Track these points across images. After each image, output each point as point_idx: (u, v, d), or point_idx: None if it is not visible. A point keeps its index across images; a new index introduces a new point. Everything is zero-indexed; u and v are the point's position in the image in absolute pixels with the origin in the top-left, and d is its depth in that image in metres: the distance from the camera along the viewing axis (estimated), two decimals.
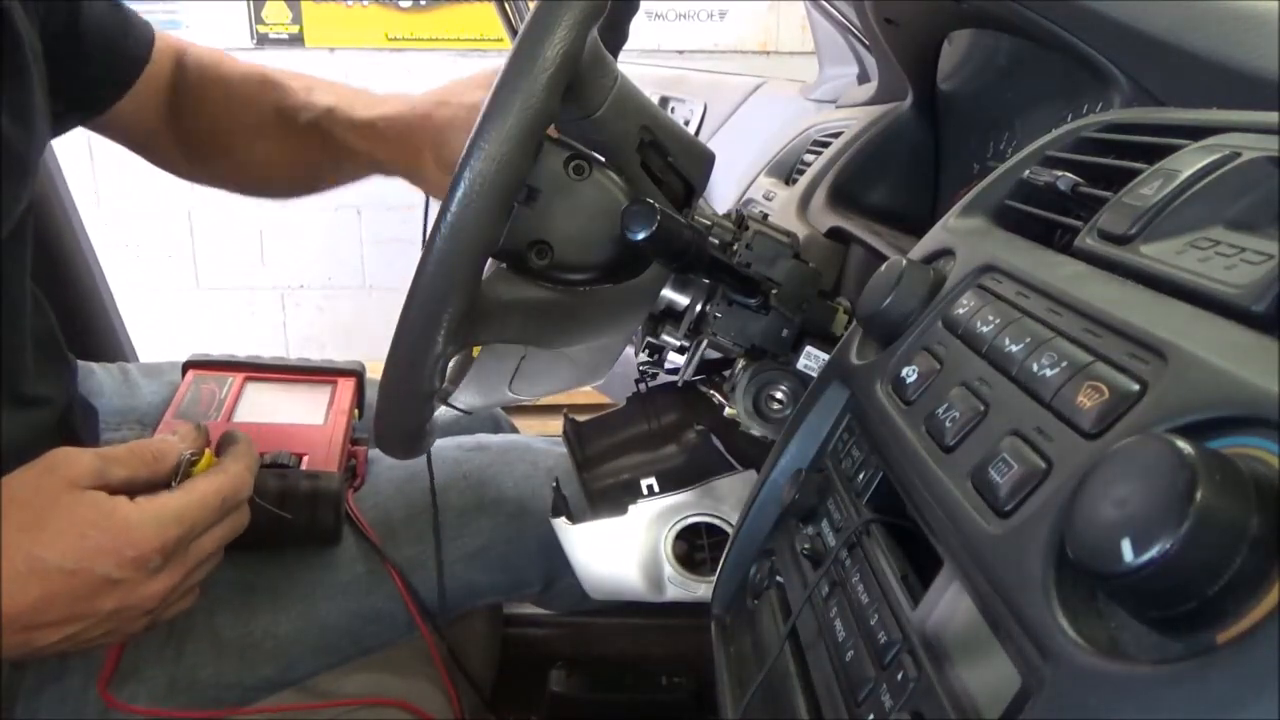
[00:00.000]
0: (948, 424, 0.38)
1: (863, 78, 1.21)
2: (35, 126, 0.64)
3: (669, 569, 0.78)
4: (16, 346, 0.66)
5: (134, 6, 0.79)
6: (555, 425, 0.91)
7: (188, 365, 0.88)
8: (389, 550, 0.75)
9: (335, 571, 0.74)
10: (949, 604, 0.35)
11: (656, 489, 0.79)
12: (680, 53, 2.65)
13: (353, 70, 2.58)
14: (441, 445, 0.85)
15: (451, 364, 0.65)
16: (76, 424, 0.75)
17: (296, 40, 2.55)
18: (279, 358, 0.91)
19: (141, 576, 0.54)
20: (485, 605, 0.82)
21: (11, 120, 0.61)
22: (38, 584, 0.51)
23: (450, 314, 0.50)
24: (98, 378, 0.88)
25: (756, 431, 0.70)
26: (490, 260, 0.58)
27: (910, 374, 0.44)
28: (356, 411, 0.88)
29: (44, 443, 0.67)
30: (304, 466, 0.74)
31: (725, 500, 0.78)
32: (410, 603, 0.74)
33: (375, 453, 0.84)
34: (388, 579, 0.74)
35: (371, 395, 0.91)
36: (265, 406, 0.83)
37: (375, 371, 0.58)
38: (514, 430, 1.05)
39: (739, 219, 0.68)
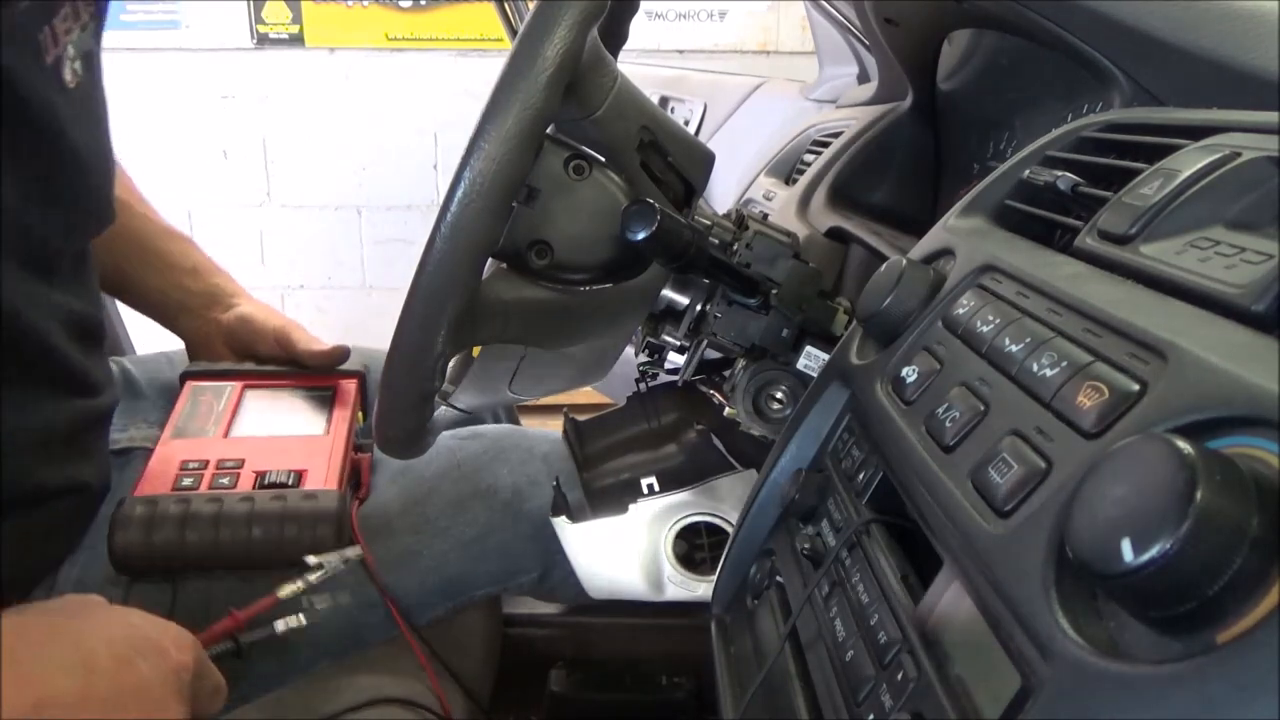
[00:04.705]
0: (948, 424, 0.38)
1: (863, 78, 1.21)
2: None
3: (669, 568, 0.78)
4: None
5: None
6: (555, 425, 0.91)
7: (185, 376, 0.86)
8: (384, 541, 0.75)
9: None
10: (949, 604, 0.35)
11: (657, 488, 0.79)
12: (680, 53, 2.64)
13: (353, 70, 2.58)
14: None
15: (451, 364, 0.65)
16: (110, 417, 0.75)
17: (297, 40, 2.55)
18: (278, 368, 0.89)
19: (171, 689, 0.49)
20: (483, 596, 0.82)
21: None
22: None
23: (450, 314, 0.50)
24: None
25: (756, 431, 0.70)
26: (490, 260, 0.58)
27: (910, 374, 0.44)
28: (360, 415, 0.87)
29: (91, 432, 0.67)
30: (304, 484, 0.73)
31: (725, 500, 0.78)
32: (391, 603, 0.73)
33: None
34: (381, 571, 0.74)
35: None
36: (265, 418, 0.83)
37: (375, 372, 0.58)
38: (515, 422, 1.05)
39: (739, 219, 0.68)
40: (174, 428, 0.79)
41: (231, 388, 0.85)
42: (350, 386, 0.87)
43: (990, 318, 0.40)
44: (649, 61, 1.99)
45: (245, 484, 0.73)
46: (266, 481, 0.73)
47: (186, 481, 0.72)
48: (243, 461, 0.75)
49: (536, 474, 0.82)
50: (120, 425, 0.82)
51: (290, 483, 0.73)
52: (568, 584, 0.83)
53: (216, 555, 0.68)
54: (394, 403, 0.56)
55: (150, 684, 0.48)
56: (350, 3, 2.54)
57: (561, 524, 0.78)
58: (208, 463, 0.75)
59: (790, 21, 2.61)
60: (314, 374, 0.88)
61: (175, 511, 0.68)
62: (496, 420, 1.03)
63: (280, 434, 0.80)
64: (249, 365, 0.88)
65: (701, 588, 0.78)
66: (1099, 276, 0.39)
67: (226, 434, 0.80)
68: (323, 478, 0.74)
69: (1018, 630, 0.29)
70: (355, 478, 0.79)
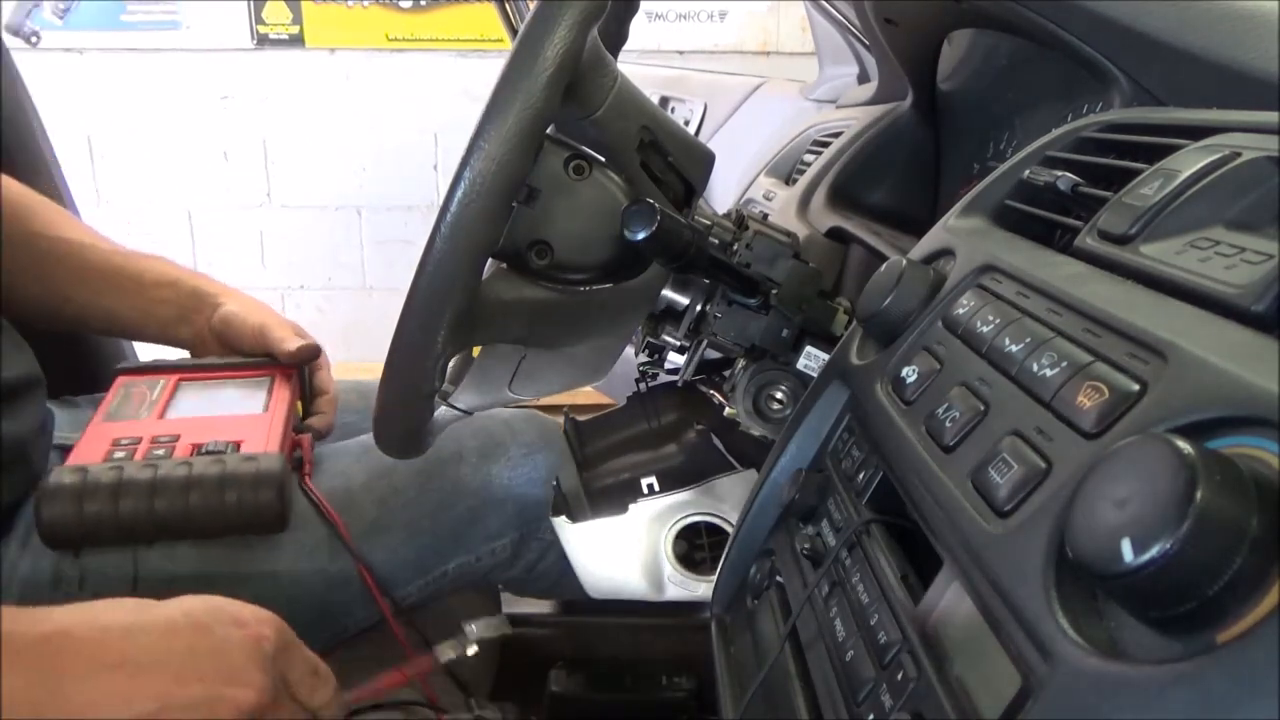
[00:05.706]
0: (948, 424, 0.38)
1: (863, 78, 1.21)
2: None
3: (669, 568, 0.78)
4: None
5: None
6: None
7: (118, 372, 0.83)
8: (350, 515, 0.74)
9: (297, 541, 0.73)
10: (949, 604, 0.35)
11: (657, 488, 0.79)
12: (680, 53, 2.64)
13: (353, 71, 2.58)
14: None
15: (451, 364, 0.65)
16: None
17: (297, 40, 2.55)
18: (213, 359, 0.87)
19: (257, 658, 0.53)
20: (457, 571, 0.80)
21: None
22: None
23: (450, 314, 0.50)
24: None
25: (756, 431, 0.70)
26: (490, 260, 0.58)
27: (910, 374, 0.44)
28: (299, 405, 0.84)
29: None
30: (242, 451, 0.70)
31: (725, 500, 0.78)
32: (373, 584, 0.72)
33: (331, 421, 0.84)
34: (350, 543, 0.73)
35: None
36: (200, 403, 0.80)
37: (376, 372, 0.58)
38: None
39: (739, 219, 0.68)
40: (104, 414, 0.76)
41: (165, 380, 0.82)
42: (287, 374, 0.84)
43: (990, 318, 0.40)
44: (649, 62, 1.99)
45: (182, 455, 0.69)
46: (203, 451, 0.70)
47: (119, 455, 0.69)
48: (178, 436, 0.72)
49: (500, 434, 0.83)
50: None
51: (228, 451, 0.70)
52: (547, 562, 0.83)
53: (153, 525, 0.65)
54: (394, 403, 0.56)
55: (227, 648, 0.52)
56: (350, 3, 2.55)
57: (561, 524, 0.78)
58: (141, 439, 0.71)
59: (790, 22, 2.61)
60: (252, 367, 0.85)
61: (107, 480, 0.64)
62: None
63: (217, 414, 0.76)
64: (183, 360, 0.86)
65: (701, 588, 0.78)
66: (1099, 276, 0.39)
67: (161, 417, 0.76)
68: (261, 446, 0.71)
69: (1018, 630, 0.29)
70: (298, 457, 0.76)
